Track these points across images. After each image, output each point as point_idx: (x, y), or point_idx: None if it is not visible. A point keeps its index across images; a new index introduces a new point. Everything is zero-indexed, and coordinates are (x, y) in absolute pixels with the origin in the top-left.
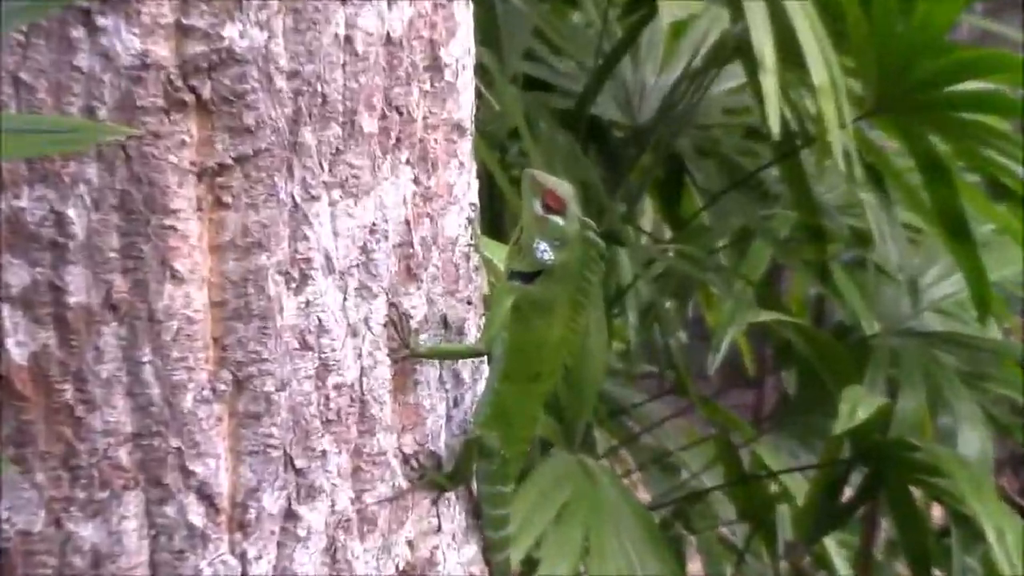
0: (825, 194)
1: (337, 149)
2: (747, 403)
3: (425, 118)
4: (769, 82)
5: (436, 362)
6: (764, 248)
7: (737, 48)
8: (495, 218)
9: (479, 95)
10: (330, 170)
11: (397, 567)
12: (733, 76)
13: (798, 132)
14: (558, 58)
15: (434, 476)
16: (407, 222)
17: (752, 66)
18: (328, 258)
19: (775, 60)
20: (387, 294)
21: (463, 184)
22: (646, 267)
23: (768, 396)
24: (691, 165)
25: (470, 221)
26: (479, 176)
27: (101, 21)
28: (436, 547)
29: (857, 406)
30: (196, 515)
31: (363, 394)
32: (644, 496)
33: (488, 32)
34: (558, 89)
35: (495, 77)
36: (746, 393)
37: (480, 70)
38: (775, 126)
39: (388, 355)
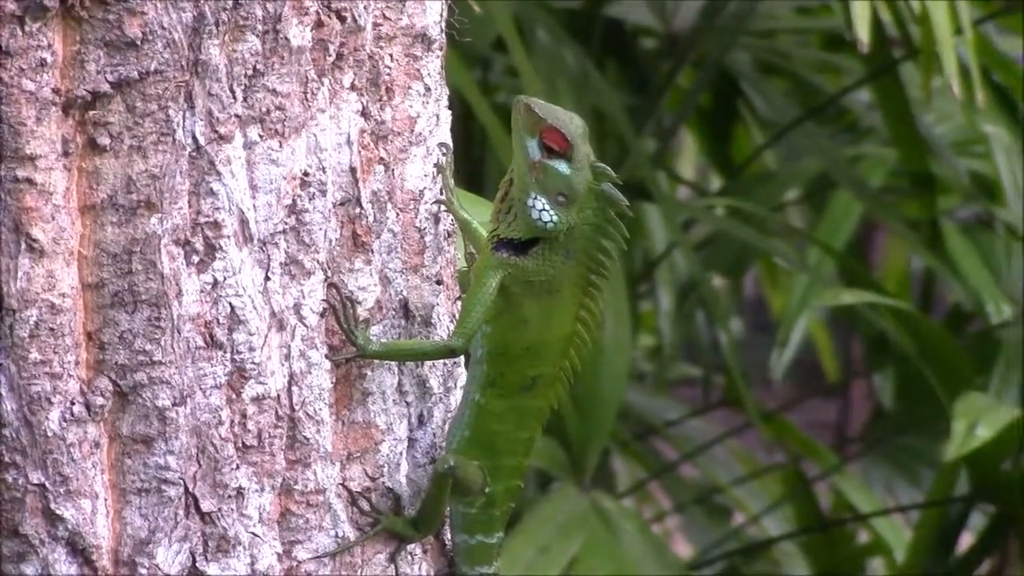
0: (935, 127)
1: (255, 70)
2: (827, 419)
3: (377, 26)
4: None
5: (394, 365)
6: (850, 203)
7: None
8: (474, 165)
9: None
10: (245, 99)
11: None
12: None
13: (897, 40)
14: None
15: (392, 522)
16: (352, 171)
17: None
18: (243, 222)
19: None
20: (325, 271)
21: (429, 117)
22: (685, 230)
23: (857, 409)
24: (748, 87)
25: (440, 169)
26: (452, 106)
27: None
28: None
29: (977, 422)
30: None
31: (293, 409)
32: (684, 549)
33: None
34: None
35: None
36: (826, 405)
37: None
38: (863, 31)
39: (327, 356)
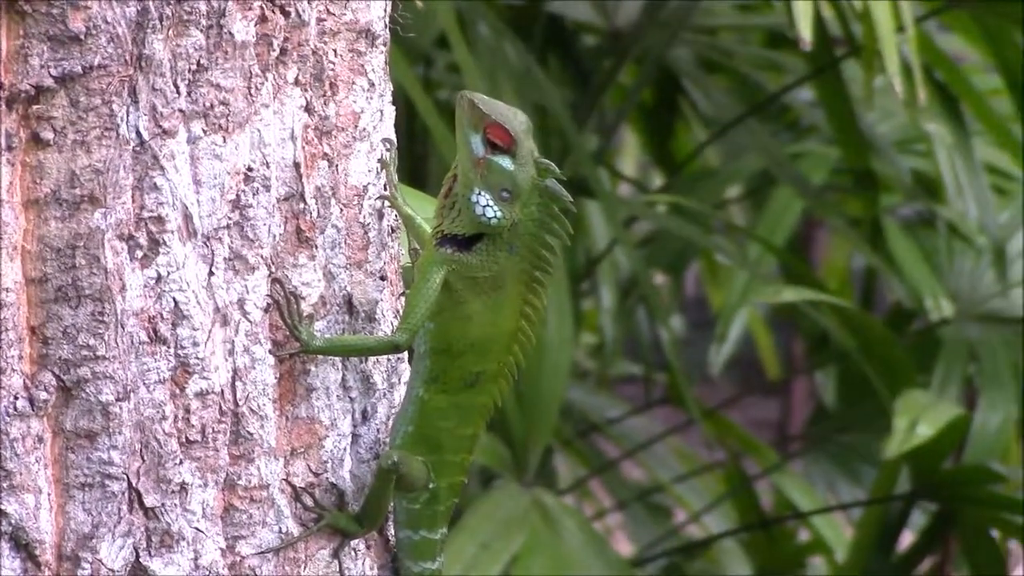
0: (877, 125)
1: (199, 65)
2: (768, 417)
3: (321, 20)
4: None
5: (337, 360)
6: (791, 200)
7: None
8: (416, 162)
9: None
10: (189, 94)
11: None
12: None
13: (840, 38)
14: None
15: (335, 518)
16: (296, 166)
17: None
18: (187, 217)
19: None
20: (269, 266)
21: (373, 113)
22: (627, 227)
23: (797, 407)
24: (690, 84)
25: (383, 164)
26: (395, 102)
27: None
28: None
29: (918, 419)
30: (8, 571)
31: (236, 405)
32: (624, 547)
33: None
34: None
35: None
36: (767, 403)
37: None
38: (805, 29)
39: (271, 351)
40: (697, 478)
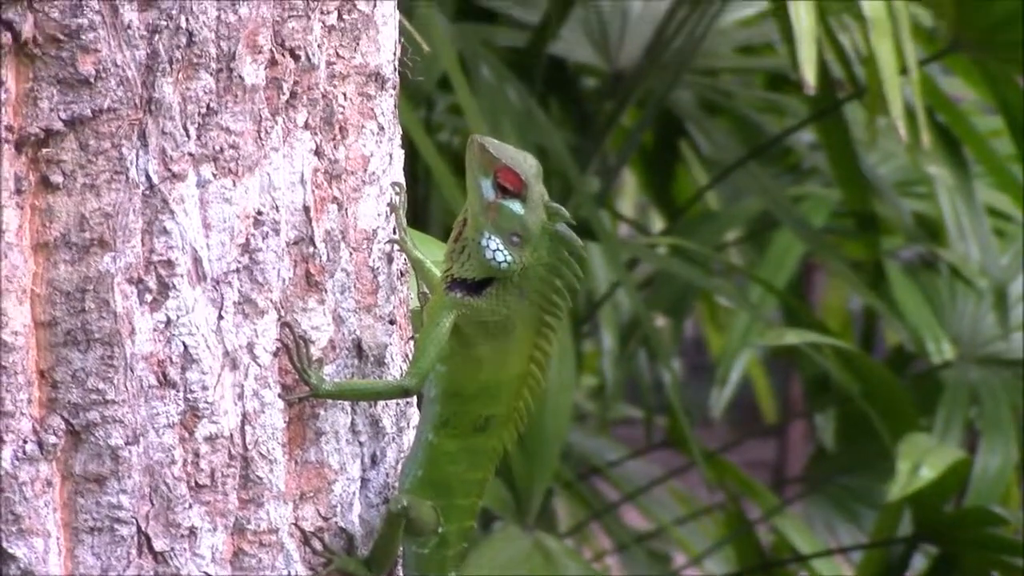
0: (878, 167)
1: (208, 108)
2: (765, 458)
3: (331, 64)
4: (802, 9)
5: (347, 405)
6: (792, 242)
7: None
8: (419, 204)
9: (400, 31)
10: (199, 138)
11: None
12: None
13: (842, 80)
14: None
15: (345, 562)
16: (306, 210)
17: None
18: (196, 260)
19: None
20: (279, 310)
21: (383, 157)
22: (628, 270)
23: (796, 449)
24: (691, 126)
25: (393, 208)
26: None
27: None
28: None
29: (921, 463)
30: None
31: (246, 449)
32: None
33: None
34: (506, 19)
35: (416, 2)
36: (766, 445)
37: None
38: (809, 72)
39: (280, 395)
40: (697, 521)
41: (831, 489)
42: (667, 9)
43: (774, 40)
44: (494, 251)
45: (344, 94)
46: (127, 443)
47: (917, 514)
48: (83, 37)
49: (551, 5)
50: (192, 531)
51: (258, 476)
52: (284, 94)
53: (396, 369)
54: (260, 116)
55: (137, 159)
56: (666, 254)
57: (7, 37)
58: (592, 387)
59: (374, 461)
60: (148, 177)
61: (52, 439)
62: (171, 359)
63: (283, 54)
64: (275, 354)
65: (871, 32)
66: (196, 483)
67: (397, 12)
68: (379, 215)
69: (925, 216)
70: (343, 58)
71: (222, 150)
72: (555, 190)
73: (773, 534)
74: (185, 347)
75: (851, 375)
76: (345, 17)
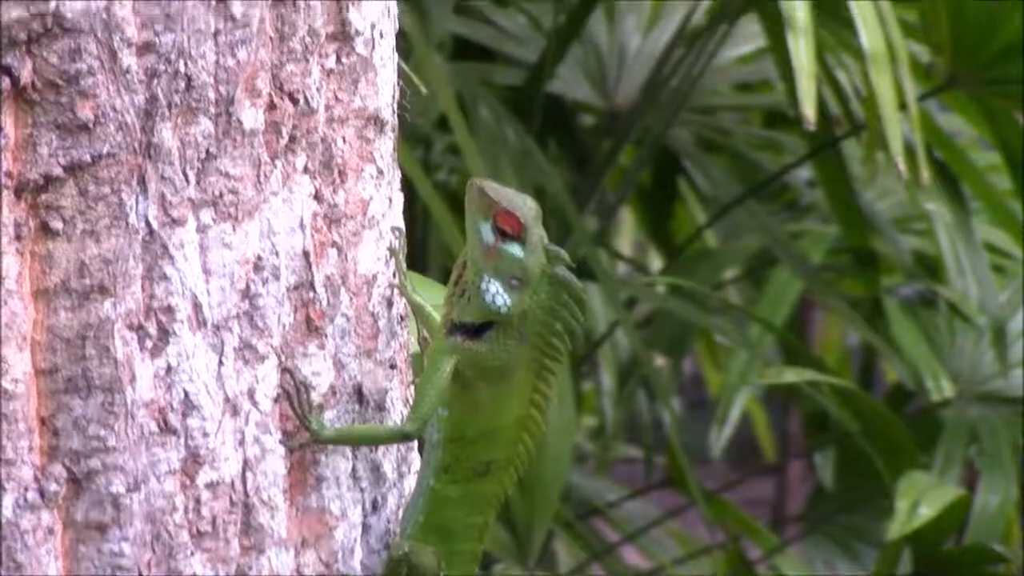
0: (876, 203)
1: (207, 153)
2: (763, 495)
3: (329, 107)
4: (800, 46)
5: (348, 450)
6: (791, 280)
7: None
8: (417, 244)
9: (398, 73)
10: (198, 182)
11: None
12: (748, 37)
13: (839, 117)
14: (503, 12)
15: None
16: (306, 254)
17: (776, 23)
18: (197, 306)
19: (808, 14)
20: (279, 356)
21: (382, 200)
22: (626, 309)
23: (795, 488)
24: (689, 164)
25: (393, 252)
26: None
27: None
28: None
29: (920, 501)
30: None
31: (247, 495)
32: None
33: None
34: (503, 57)
35: (414, 42)
36: (765, 483)
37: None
38: (808, 109)
39: (281, 441)
40: (697, 561)
41: (831, 528)
42: (664, 47)
43: (771, 77)
44: (494, 295)
45: (343, 138)
46: (128, 490)
47: (917, 552)
48: (82, 82)
49: (548, 43)
50: None
51: (259, 523)
52: (283, 138)
53: (397, 414)
54: (259, 160)
55: (137, 204)
56: (665, 293)
57: (6, 83)
58: (591, 427)
59: (375, 507)
60: (148, 222)
61: (53, 487)
62: (172, 405)
63: (282, 98)
64: (276, 400)
65: (870, 67)
66: (197, 530)
67: (395, 54)
68: (379, 259)
69: (924, 253)
70: (342, 101)
71: (221, 195)
72: (553, 229)
73: (773, 573)
74: (186, 393)
75: (850, 413)
76: (344, 60)
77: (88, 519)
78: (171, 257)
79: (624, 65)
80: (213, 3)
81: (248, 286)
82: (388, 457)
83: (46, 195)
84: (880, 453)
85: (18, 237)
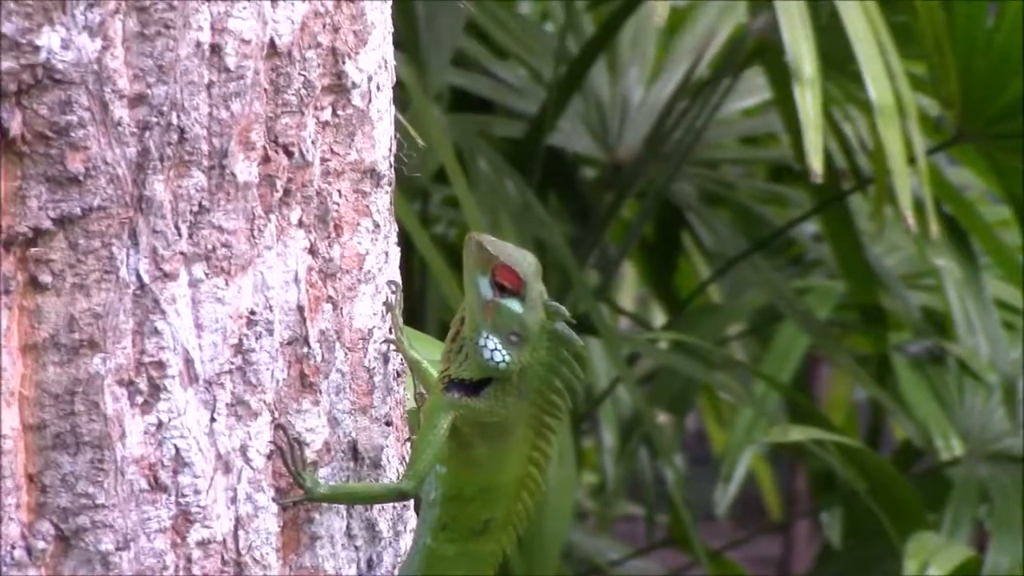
0: (884, 258)
1: (200, 206)
2: (770, 554)
3: (325, 160)
4: (807, 98)
5: (342, 508)
6: (797, 336)
7: (759, 50)
8: (414, 298)
9: (396, 125)
10: (190, 236)
11: None
12: (752, 90)
13: (845, 170)
14: (503, 64)
15: None
16: (300, 309)
17: (782, 75)
18: (188, 362)
19: (815, 67)
20: (272, 412)
21: (378, 255)
22: (628, 365)
23: (801, 547)
24: (693, 218)
25: (389, 307)
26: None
27: None
28: None
29: (929, 562)
30: None
31: (239, 554)
32: None
33: (402, 29)
34: (503, 109)
35: (411, 93)
36: (771, 543)
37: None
38: (816, 162)
39: (274, 499)
40: None
41: None
42: (668, 99)
43: (776, 130)
44: (492, 351)
45: (339, 191)
46: (118, 548)
47: None
48: (72, 134)
49: (549, 95)
50: None
51: None
52: (277, 191)
53: (392, 472)
54: (253, 214)
55: (128, 258)
56: (667, 349)
57: None
58: (592, 484)
59: (370, 566)
60: (139, 276)
61: (41, 544)
62: (162, 462)
63: (276, 151)
64: (269, 457)
65: (878, 120)
66: None
67: (392, 106)
68: (375, 314)
69: (932, 309)
70: (338, 154)
71: (214, 249)
72: (554, 284)
73: None
74: (177, 450)
75: (857, 471)
76: (340, 113)
77: None
78: (162, 312)
79: (627, 117)
80: (207, 55)
81: (241, 341)
82: (384, 515)
83: (35, 248)
84: (887, 512)
85: (6, 291)
